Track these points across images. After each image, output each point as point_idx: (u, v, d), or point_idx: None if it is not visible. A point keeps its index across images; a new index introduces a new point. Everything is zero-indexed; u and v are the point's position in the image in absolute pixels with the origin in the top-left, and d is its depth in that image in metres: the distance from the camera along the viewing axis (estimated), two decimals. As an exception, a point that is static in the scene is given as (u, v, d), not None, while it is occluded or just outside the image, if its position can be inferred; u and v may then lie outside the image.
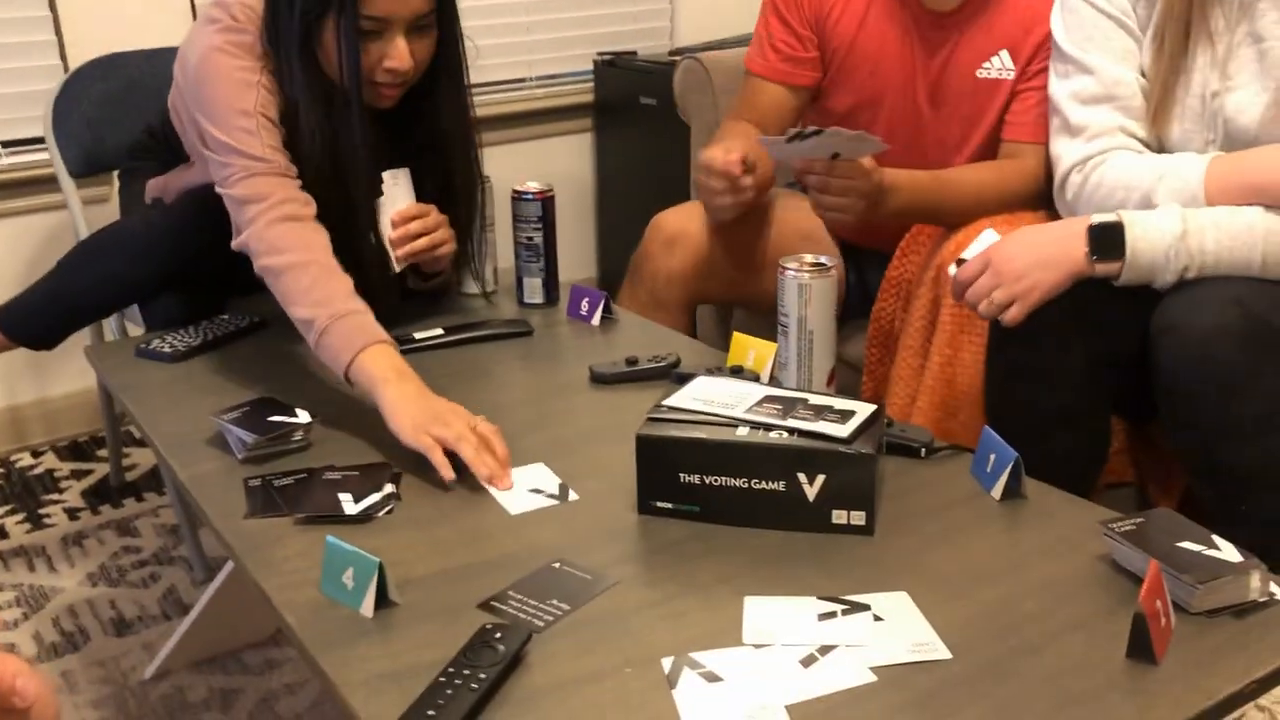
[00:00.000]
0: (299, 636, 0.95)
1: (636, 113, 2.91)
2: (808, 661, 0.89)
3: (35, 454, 2.49)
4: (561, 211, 3.12)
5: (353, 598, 0.98)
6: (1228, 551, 0.97)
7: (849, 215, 1.57)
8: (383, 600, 0.98)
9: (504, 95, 3.00)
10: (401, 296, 1.71)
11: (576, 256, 3.18)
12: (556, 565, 1.04)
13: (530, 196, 1.71)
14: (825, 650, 0.91)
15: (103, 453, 2.47)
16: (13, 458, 2.47)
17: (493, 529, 1.11)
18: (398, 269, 1.63)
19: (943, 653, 0.90)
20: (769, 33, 1.82)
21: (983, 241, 1.38)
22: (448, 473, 1.18)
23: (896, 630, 0.93)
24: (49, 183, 2.24)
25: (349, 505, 1.15)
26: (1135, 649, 0.88)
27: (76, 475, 2.39)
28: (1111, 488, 1.65)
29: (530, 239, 1.73)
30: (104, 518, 2.20)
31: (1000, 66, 1.71)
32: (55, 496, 2.30)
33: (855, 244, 1.92)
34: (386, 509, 1.15)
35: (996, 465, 1.15)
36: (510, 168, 2.98)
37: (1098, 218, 1.32)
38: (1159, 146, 1.45)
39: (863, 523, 1.08)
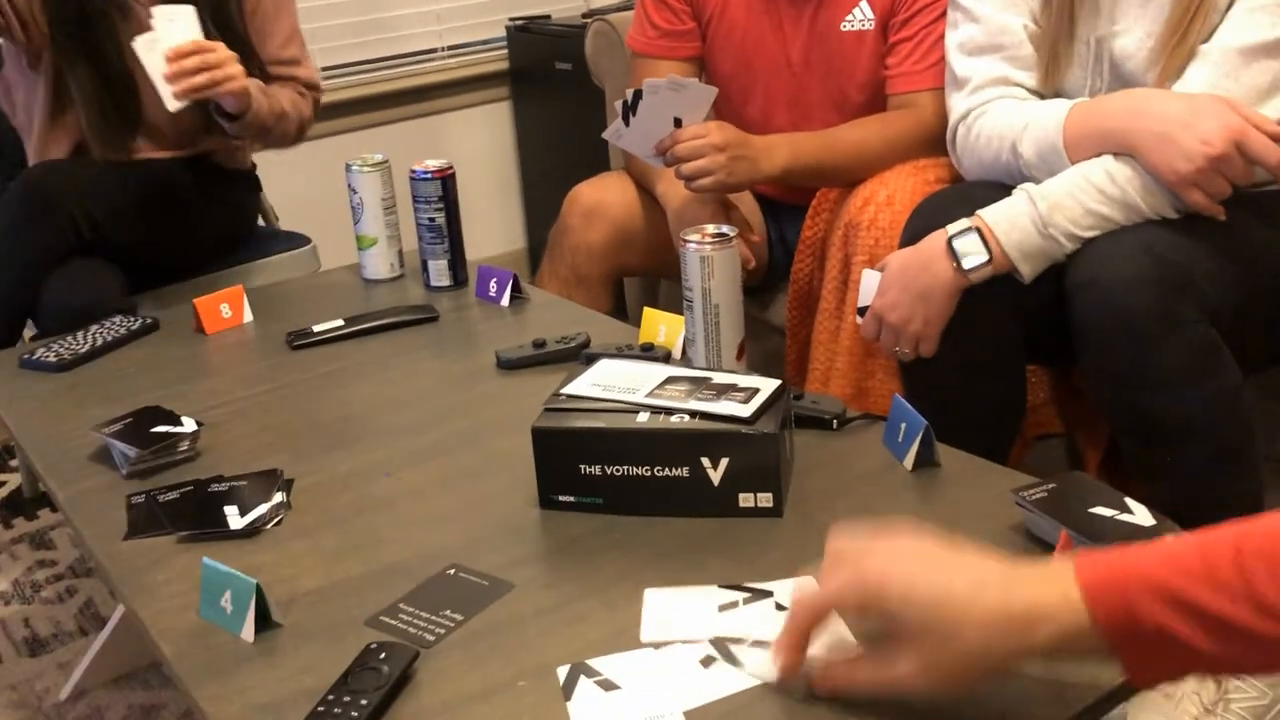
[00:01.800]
0: (174, 667, 0.90)
1: (553, 79, 2.84)
2: (707, 662, 0.85)
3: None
4: (483, 184, 3.08)
5: (232, 622, 0.92)
6: (1140, 515, 0.93)
7: (717, 175, 1.55)
8: (265, 622, 0.92)
9: (415, 67, 2.91)
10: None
11: (503, 230, 3.12)
12: (451, 571, 0.99)
13: (428, 175, 1.64)
14: (727, 645, 0.87)
15: (14, 463, 2.38)
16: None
17: (386, 534, 1.06)
18: (172, 107, 1.63)
19: (850, 640, 0.86)
20: (645, 10, 1.81)
21: (866, 286, 1.36)
22: None
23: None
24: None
25: (235, 519, 1.09)
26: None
27: (-13, 487, 2.30)
28: (1040, 439, 1.63)
29: (432, 220, 1.66)
30: (16, 531, 2.12)
31: (861, 18, 1.69)
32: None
33: (776, 199, 1.88)
34: (275, 520, 1.09)
35: (908, 434, 1.11)
36: (424, 142, 2.91)
37: (952, 228, 1.29)
38: (1053, 95, 1.42)
39: (770, 504, 1.04)
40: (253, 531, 1.08)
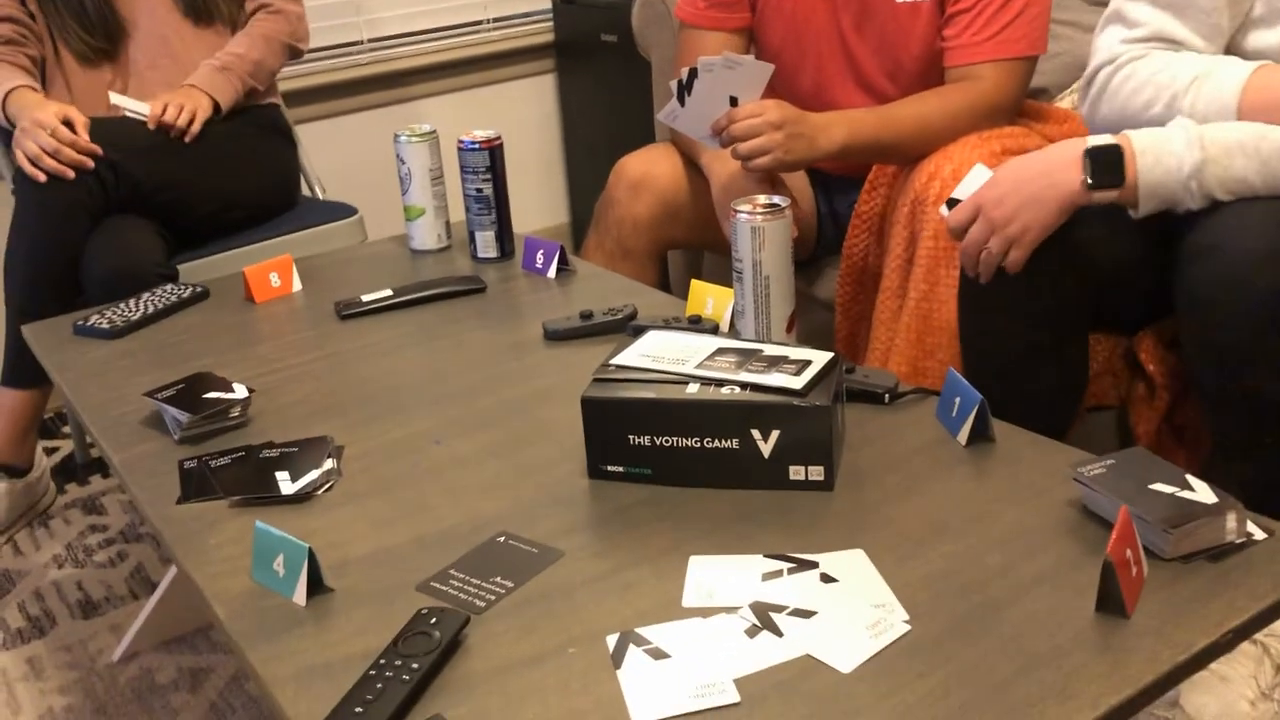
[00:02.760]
0: (227, 629, 0.91)
1: (598, 51, 2.82)
2: (752, 631, 0.85)
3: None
4: (527, 158, 3.07)
5: (284, 585, 0.93)
6: (1202, 492, 0.92)
7: (774, 154, 1.52)
8: (317, 586, 0.93)
9: (459, 39, 2.90)
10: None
11: (546, 204, 3.11)
12: (501, 539, 0.99)
13: (475, 146, 1.64)
14: (768, 614, 0.86)
15: (67, 429, 2.42)
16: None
17: (436, 501, 1.06)
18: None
19: (900, 614, 0.86)
20: None
21: (972, 180, 1.28)
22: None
23: (851, 591, 0.88)
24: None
25: (286, 484, 1.09)
26: (1105, 602, 0.84)
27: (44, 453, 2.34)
28: (1093, 410, 1.60)
29: (479, 191, 1.66)
30: (70, 496, 2.16)
31: None
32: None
33: (826, 173, 1.86)
34: (326, 486, 1.10)
35: (962, 408, 1.10)
36: (469, 115, 2.90)
37: (1095, 140, 1.20)
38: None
39: (821, 478, 1.03)
40: (304, 497, 1.08)
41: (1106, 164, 1.18)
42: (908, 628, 0.84)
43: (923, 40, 1.67)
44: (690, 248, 2.03)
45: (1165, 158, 1.17)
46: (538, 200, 3.08)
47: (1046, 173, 1.21)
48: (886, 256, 1.62)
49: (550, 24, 2.96)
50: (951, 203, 1.29)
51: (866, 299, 1.74)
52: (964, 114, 1.59)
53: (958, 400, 1.10)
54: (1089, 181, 1.18)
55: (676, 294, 2.06)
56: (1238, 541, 0.90)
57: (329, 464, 1.13)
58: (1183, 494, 0.92)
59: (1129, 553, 0.85)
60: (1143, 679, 0.78)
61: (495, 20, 2.93)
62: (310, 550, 0.92)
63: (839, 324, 1.79)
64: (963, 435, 1.09)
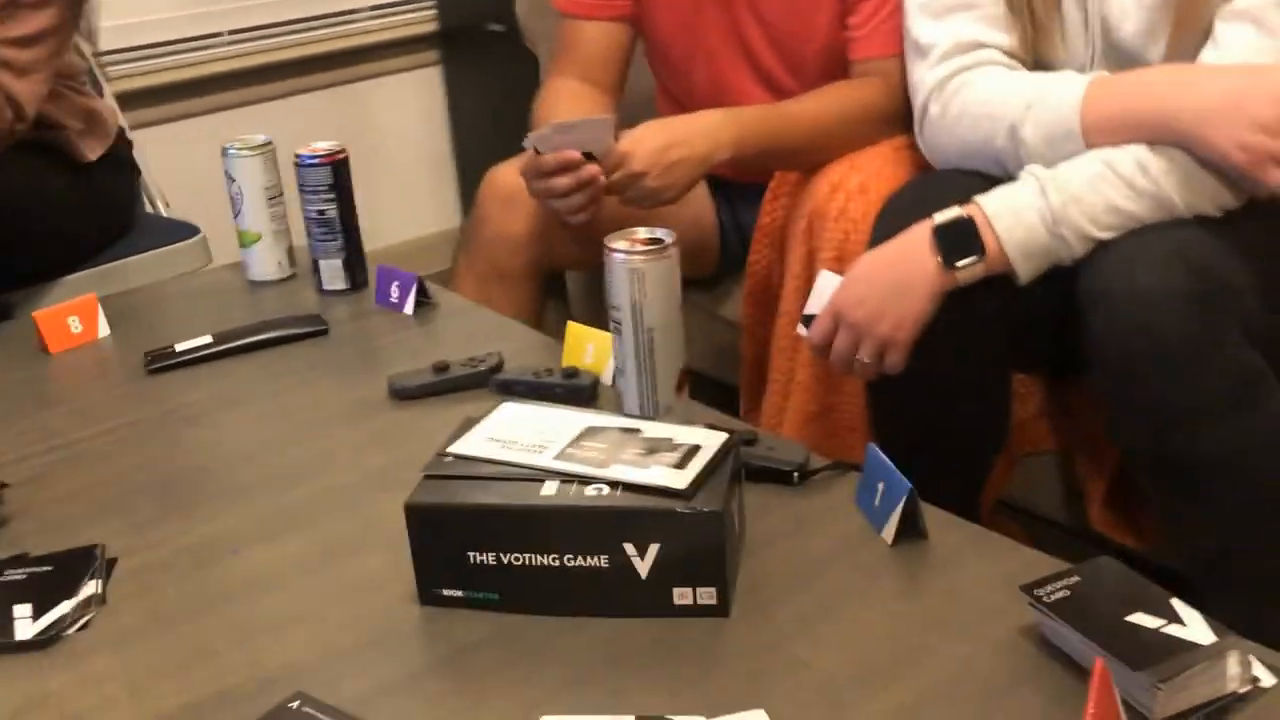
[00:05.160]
0: None
1: (486, 41, 2.57)
2: None
3: None
4: (413, 158, 2.81)
5: (-15, 795, 0.69)
6: (1194, 626, 0.71)
7: (660, 196, 1.35)
8: (34, 792, 0.69)
9: (333, 30, 2.63)
10: None
11: (436, 208, 2.85)
12: (295, 704, 0.75)
13: (315, 160, 1.39)
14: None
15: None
16: None
17: (220, 644, 0.82)
18: None
19: None
20: None
21: (822, 290, 1.13)
22: None
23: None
24: None
25: (24, 625, 0.84)
26: (1080, 794, 0.63)
27: None
28: (1028, 456, 1.42)
29: (322, 212, 1.41)
30: None
31: None
32: None
33: (730, 180, 1.64)
34: (80, 622, 0.85)
35: (886, 497, 0.88)
36: (346, 113, 2.64)
37: (941, 217, 1.06)
38: (1035, 59, 1.19)
39: (713, 602, 0.81)
40: (48, 641, 0.83)
41: (958, 238, 1.05)
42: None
43: (825, 31, 1.46)
44: (575, 268, 1.81)
45: (1023, 213, 1.05)
46: (426, 204, 2.82)
47: (902, 261, 1.08)
48: (786, 276, 1.42)
49: (434, 13, 2.70)
50: (807, 320, 1.14)
51: (772, 321, 1.53)
52: (871, 114, 1.40)
53: (881, 486, 0.89)
54: (945, 261, 1.05)
55: (579, 310, 1.84)
56: (1241, 691, 0.70)
57: (89, 589, 0.88)
58: (1170, 630, 0.71)
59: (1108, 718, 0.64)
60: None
61: (374, 8, 2.67)
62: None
63: (745, 347, 1.59)
64: (889, 531, 0.88)
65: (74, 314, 1.35)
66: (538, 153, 1.32)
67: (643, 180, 1.33)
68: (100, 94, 1.88)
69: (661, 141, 1.34)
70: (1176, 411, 1.00)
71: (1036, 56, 1.20)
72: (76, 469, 1.08)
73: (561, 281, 1.95)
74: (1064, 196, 1.04)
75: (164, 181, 1.99)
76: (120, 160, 1.80)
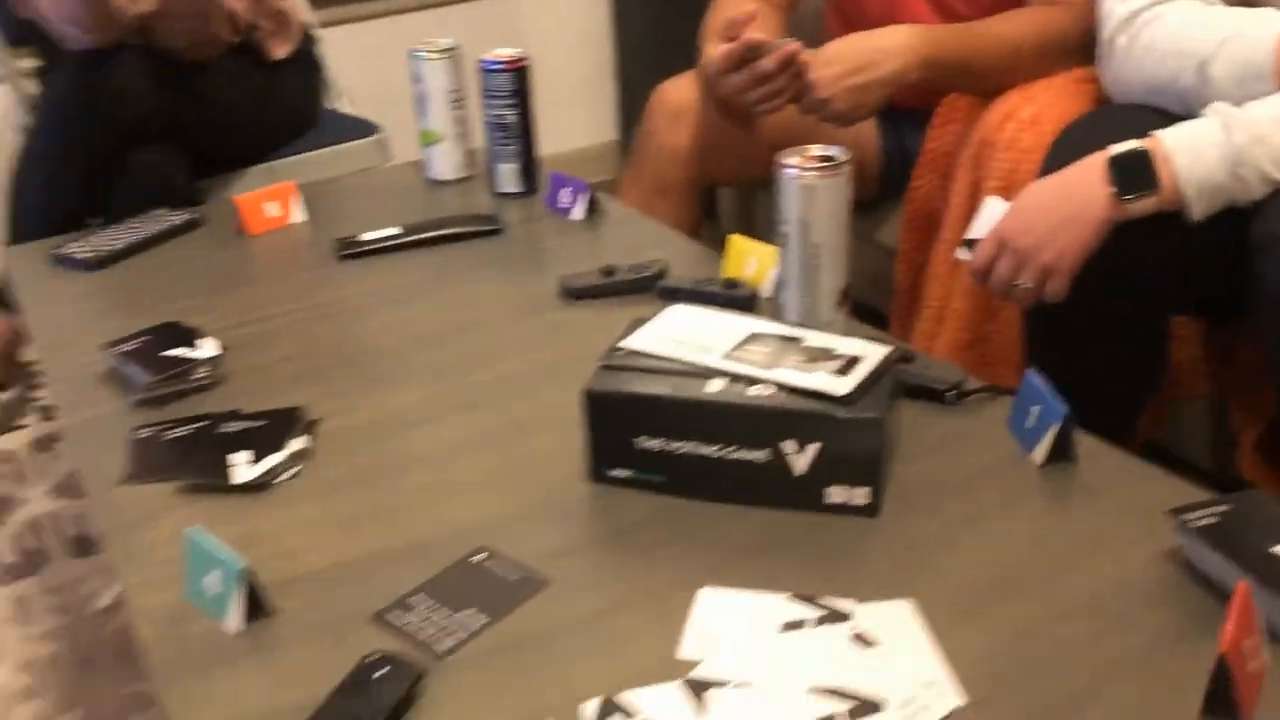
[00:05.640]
0: (149, 659, 0.77)
1: (656, -45, 2.59)
2: (764, 699, 0.69)
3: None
4: (573, 70, 2.86)
5: (217, 608, 0.79)
6: (1342, 561, 0.73)
7: (841, 113, 1.38)
8: (257, 609, 0.79)
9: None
10: None
11: (593, 121, 2.90)
12: (478, 558, 0.84)
13: (498, 66, 1.45)
14: (784, 681, 0.70)
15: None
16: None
17: (411, 502, 0.91)
18: None
19: (950, 700, 0.69)
20: None
21: (988, 216, 1.13)
22: None
23: (892, 656, 0.72)
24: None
25: (242, 470, 0.95)
26: (1214, 704, 0.66)
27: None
28: (1182, 400, 1.41)
29: (501, 117, 1.47)
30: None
31: None
32: (33, 396, 2.15)
33: (896, 105, 1.65)
34: (289, 473, 0.95)
35: (1041, 420, 0.91)
36: (509, 22, 2.69)
37: (1117, 148, 1.05)
38: (1239, 4, 1.15)
39: (865, 502, 0.86)
40: (261, 486, 0.94)
41: (1133, 170, 1.04)
42: (950, 709, 0.68)
43: None
44: (737, 184, 1.84)
45: (1204, 152, 1.03)
46: (583, 117, 2.87)
47: (1073, 191, 1.07)
48: (949, 201, 1.43)
49: (606, -77, 2.72)
50: (969, 244, 1.15)
51: (930, 247, 1.55)
52: (1062, 41, 1.39)
53: (1035, 409, 0.92)
54: (1119, 192, 1.04)
55: (730, 229, 1.87)
56: (1383, 626, 0.71)
57: (296, 444, 0.98)
58: (1317, 563, 0.73)
59: (1247, 642, 0.67)
60: None
61: (547, -83, 2.70)
62: (244, 571, 0.77)
63: (899, 274, 1.61)
64: (1039, 453, 0.91)
65: (273, 199, 1.46)
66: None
67: (830, 105, 1.35)
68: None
69: (849, 65, 1.35)
70: None
71: None
72: (278, 340, 1.18)
73: (714, 201, 1.99)
74: (1249, 136, 1.02)
75: (346, 80, 2.09)
76: (306, 58, 1.91)
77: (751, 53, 1.36)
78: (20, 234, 1.62)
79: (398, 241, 1.38)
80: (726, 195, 2.01)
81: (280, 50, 1.82)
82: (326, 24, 2.15)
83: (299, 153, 1.85)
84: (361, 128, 1.93)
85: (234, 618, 0.78)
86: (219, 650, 0.77)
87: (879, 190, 1.72)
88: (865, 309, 1.69)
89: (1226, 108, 1.06)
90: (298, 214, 1.48)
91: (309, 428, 1.01)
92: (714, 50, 1.42)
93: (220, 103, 1.74)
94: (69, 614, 1.57)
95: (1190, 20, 1.13)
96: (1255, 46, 1.07)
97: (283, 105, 1.86)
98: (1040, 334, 1.24)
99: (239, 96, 1.77)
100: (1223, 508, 0.79)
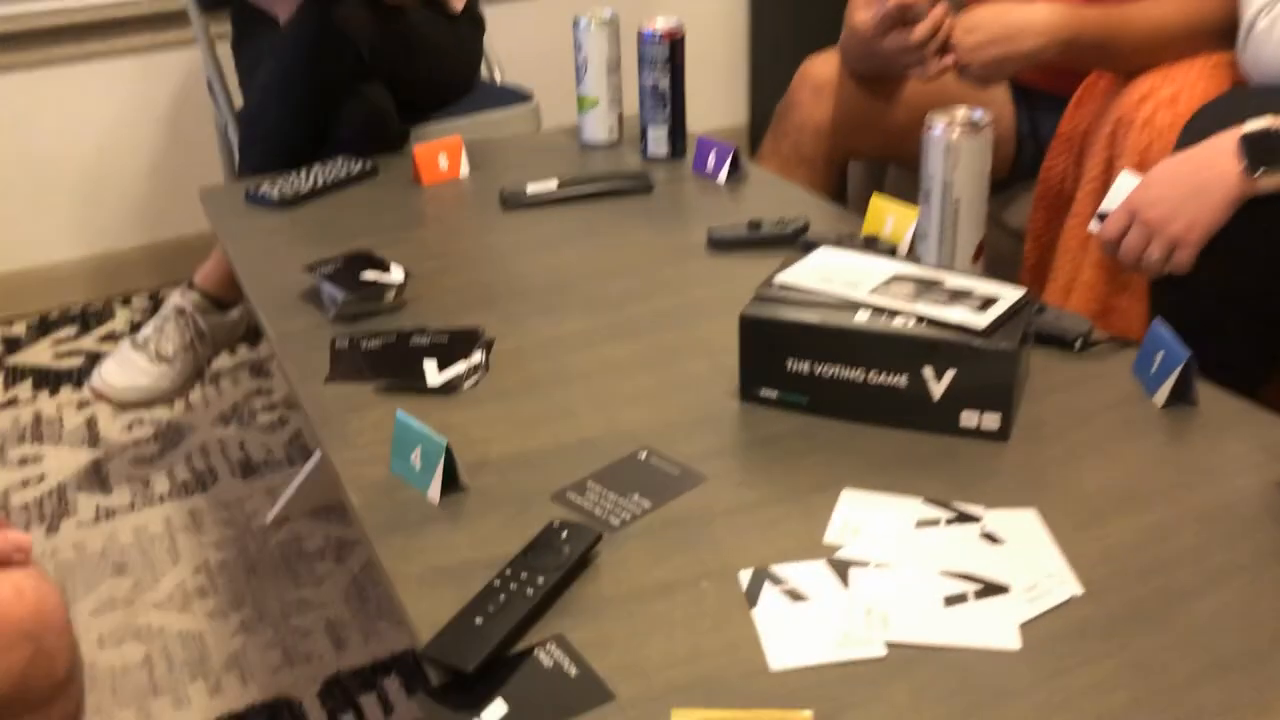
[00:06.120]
0: (360, 518, 0.89)
1: (796, -56, 2.67)
2: (898, 582, 0.78)
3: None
4: (709, 51, 2.96)
5: (420, 480, 0.91)
6: None
7: (988, 81, 1.44)
8: (452, 484, 0.91)
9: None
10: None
11: (725, 103, 3.00)
12: (643, 455, 0.95)
13: (656, 37, 1.56)
14: (920, 565, 0.79)
15: (243, 293, 2.49)
16: (160, 293, 2.52)
17: (581, 408, 1.02)
18: None
19: (1071, 588, 0.77)
20: None
21: (1121, 189, 1.19)
22: None
23: (1017, 554, 0.80)
24: (179, 18, 2.20)
25: (432, 375, 1.07)
26: (1314, 605, 0.74)
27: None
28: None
29: (656, 85, 1.58)
30: (240, 358, 2.23)
31: None
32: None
33: (1033, 88, 1.70)
34: (472, 380, 1.07)
35: (1164, 365, 0.98)
36: (650, 8, 2.80)
37: (1250, 125, 1.10)
38: None
39: (996, 427, 0.94)
40: (449, 389, 1.06)
41: (1265, 147, 1.08)
42: (1070, 595, 0.76)
43: None
44: (874, 159, 1.91)
45: None
46: (715, 98, 2.97)
47: (1204, 166, 1.12)
48: (1081, 180, 1.48)
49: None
50: (1102, 218, 1.20)
51: (1060, 226, 1.60)
52: (1208, 25, 1.42)
53: (1160, 355, 0.99)
54: (1249, 168, 1.09)
55: (854, 208, 1.95)
56: None
57: (477, 357, 1.10)
58: None
59: (1350, 553, 0.74)
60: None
61: (690, -96, 2.80)
62: (448, 447, 0.89)
63: (1028, 251, 1.66)
64: (1161, 395, 0.98)
65: (443, 151, 1.59)
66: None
67: (966, 71, 1.43)
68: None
69: (990, 34, 1.42)
70: None
71: None
72: (454, 273, 1.31)
73: (844, 182, 2.07)
74: None
75: (497, 54, 2.23)
76: (474, 16, 2.04)
77: (904, 14, 1.44)
78: (254, 164, 1.74)
79: (556, 195, 1.50)
80: (855, 177, 2.09)
81: (459, 2, 1.96)
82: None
83: (458, 116, 1.99)
84: (516, 95, 2.06)
85: (434, 490, 0.90)
86: (421, 515, 0.89)
87: (1010, 172, 1.77)
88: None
89: None
90: (464, 168, 1.61)
91: (488, 344, 1.13)
92: (863, 14, 1.50)
93: (421, 45, 1.87)
94: (236, 527, 1.73)
95: None
96: None
97: (462, 56, 2.00)
98: (1166, 306, 1.29)
99: (436, 41, 1.91)
100: (1335, 444, 0.85)
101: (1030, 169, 1.69)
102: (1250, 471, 0.88)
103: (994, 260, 1.79)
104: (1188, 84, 1.37)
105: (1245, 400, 0.99)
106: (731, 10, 2.93)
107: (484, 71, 2.18)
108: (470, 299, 1.24)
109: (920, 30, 1.44)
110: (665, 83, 1.58)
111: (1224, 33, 1.40)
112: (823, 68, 1.67)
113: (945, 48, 1.45)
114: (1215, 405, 0.98)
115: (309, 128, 1.70)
